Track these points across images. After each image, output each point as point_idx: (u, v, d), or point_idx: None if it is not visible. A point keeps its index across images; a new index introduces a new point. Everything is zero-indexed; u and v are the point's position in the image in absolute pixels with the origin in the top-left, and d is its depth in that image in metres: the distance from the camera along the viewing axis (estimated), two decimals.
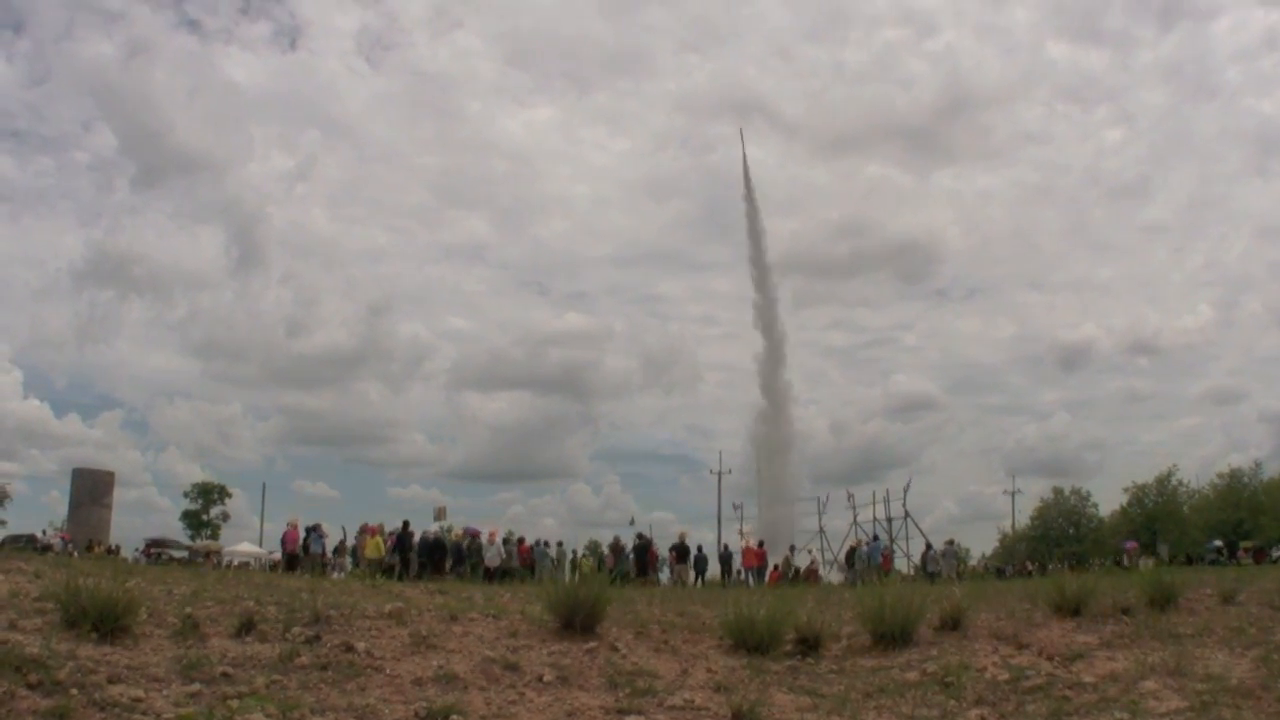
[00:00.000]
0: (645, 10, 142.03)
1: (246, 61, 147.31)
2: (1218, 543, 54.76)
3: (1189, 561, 48.36)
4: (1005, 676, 9.78)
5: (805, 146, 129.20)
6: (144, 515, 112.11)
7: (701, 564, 34.54)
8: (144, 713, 7.34)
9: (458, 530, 34.49)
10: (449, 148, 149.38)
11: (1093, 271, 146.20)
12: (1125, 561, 48.48)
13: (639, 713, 8.69)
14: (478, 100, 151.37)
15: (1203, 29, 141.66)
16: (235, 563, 45.51)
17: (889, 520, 74.62)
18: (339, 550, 33.53)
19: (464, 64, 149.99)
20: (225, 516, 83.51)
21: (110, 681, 7.83)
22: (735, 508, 73.34)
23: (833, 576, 40.03)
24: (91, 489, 66.26)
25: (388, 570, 27.10)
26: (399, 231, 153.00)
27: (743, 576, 35.42)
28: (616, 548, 34.84)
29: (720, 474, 75.66)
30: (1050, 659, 10.55)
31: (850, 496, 77.68)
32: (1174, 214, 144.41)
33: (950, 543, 40.83)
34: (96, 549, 44.45)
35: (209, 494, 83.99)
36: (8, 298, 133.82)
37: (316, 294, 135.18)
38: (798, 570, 36.92)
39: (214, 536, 75.94)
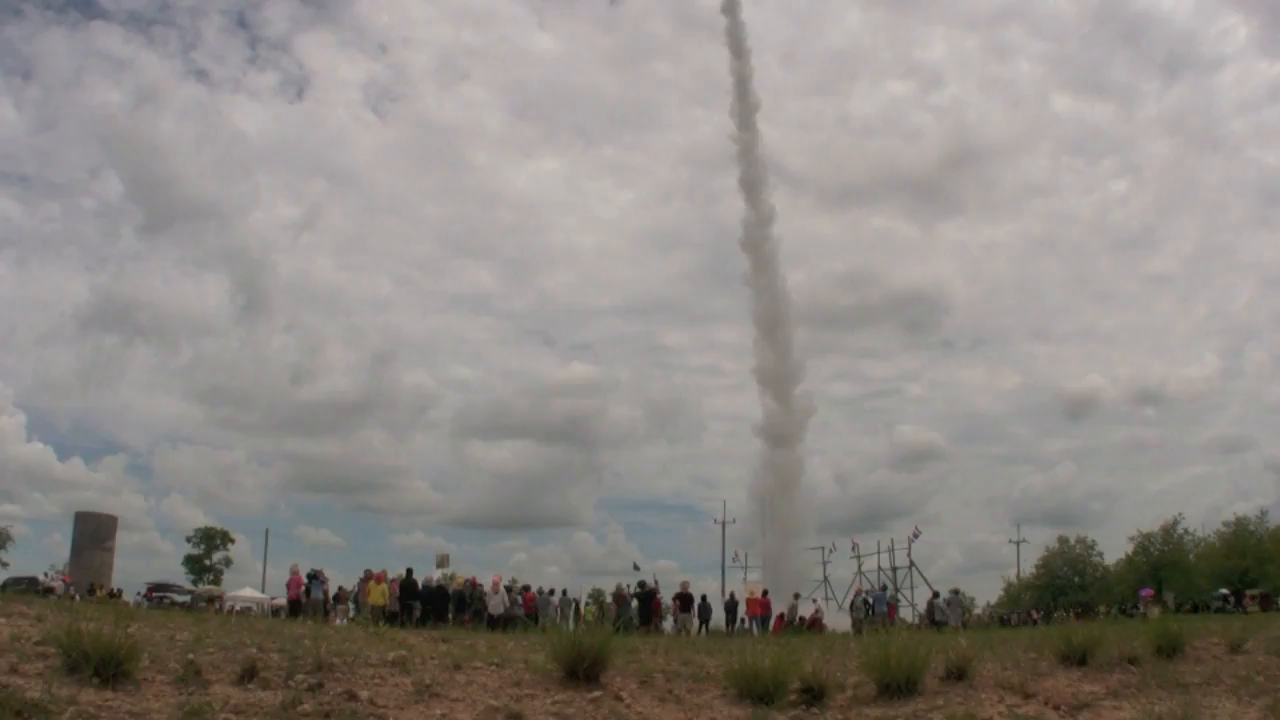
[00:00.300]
0: (651, 63, 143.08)
1: (254, 111, 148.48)
2: (1224, 590, 54.54)
3: (1195, 609, 48.14)
4: None
5: (811, 199, 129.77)
6: (146, 559, 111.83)
7: (705, 612, 34.42)
8: None
9: (460, 578, 34.42)
10: (455, 198, 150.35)
11: (1098, 322, 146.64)
12: (1141, 608, 48.27)
13: None
14: (484, 151, 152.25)
15: (1207, 81, 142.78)
16: (238, 608, 45.36)
17: (894, 569, 74.52)
18: (339, 597, 33.46)
19: (471, 115, 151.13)
20: (228, 562, 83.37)
21: None
22: (734, 559, 73.27)
23: (841, 621, 39.75)
24: (94, 532, 66.16)
25: (391, 618, 27.03)
26: (404, 281, 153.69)
27: (747, 625, 35.28)
28: (620, 596, 34.74)
29: (724, 524, 75.72)
30: (1057, 709, 10.49)
31: (855, 546, 77.63)
32: (1179, 264, 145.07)
33: (956, 592, 40.62)
34: (98, 592, 44.31)
35: (211, 539, 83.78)
36: (13, 341, 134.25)
37: (321, 342, 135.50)
38: (803, 619, 36.75)
39: (216, 582, 75.65)
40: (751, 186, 63.79)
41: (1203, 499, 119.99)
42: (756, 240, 63.50)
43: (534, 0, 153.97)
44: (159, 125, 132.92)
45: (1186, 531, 76.11)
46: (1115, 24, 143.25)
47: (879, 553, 76.38)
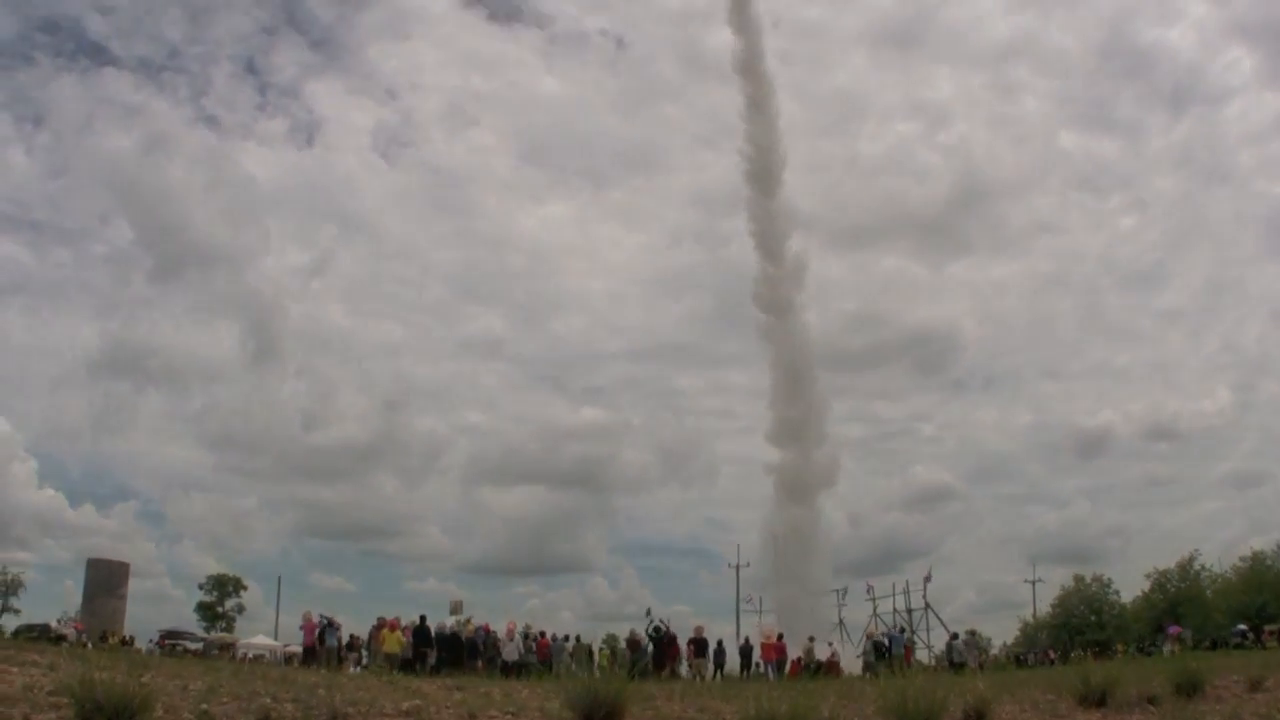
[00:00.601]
0: (659, 106, 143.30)
1: (263, 157, 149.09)
2: (1242, 626, 54.14)
3: (1214, 646, 47.77)
4: None
5: (820, 240, 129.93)
6: (158, 606, 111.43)
7: (720, 657, 34.25)
8: None
9: (473, 624, 34.30)
10: (465, 243, 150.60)
11: (1110, 358, 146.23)
12: (1168, 647, 47.93)
13: None
14: (494, 196, 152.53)
15: (1213, 114, 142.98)
16: (250, 655, 45.25)
17: (909, 611, 74.18)
18: (352, 645, 33.34)
19: (480, 160, 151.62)
20: (240, 609, 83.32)
21: None
22: (748, 602, 72.99)
23: (858, 664, 39.49)
24: (106, 579, 66.16)
25: (405, 665, 26.93)
26: (415, 326, 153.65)
27: (762, 669, 35.10)
28: (634, 641, 34.58)
29: (738, 567, 75.57)
30: None
31: (870, 588, 77.35)
32: (1190, 299, 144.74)
33: (972, 633, 40.48)
34: (111, 640, 44.25)
35: (224, 586, 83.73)
36: (25, 387, 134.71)
37: (332, 388, 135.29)
38: (819, 663, 36.53)
39: (228, 629, 75.52)
40: (774, 243, 63.00)
41: (1219, 534, 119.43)
42: (780, 296, 62.64)
43: (541, 45, 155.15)
44: (169, 171, 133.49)
45: (1203, 567, 75.73)
46: (1121, 59, 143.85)
47: (894, 595, 76.15)
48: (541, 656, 31.77)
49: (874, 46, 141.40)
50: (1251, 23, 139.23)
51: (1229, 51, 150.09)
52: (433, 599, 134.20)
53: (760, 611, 69.80)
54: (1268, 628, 54.23)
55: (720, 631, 45.02)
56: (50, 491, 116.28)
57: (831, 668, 36.35)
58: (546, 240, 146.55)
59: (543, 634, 34.41)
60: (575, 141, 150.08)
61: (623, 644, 36.93)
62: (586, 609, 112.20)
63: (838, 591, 74.07)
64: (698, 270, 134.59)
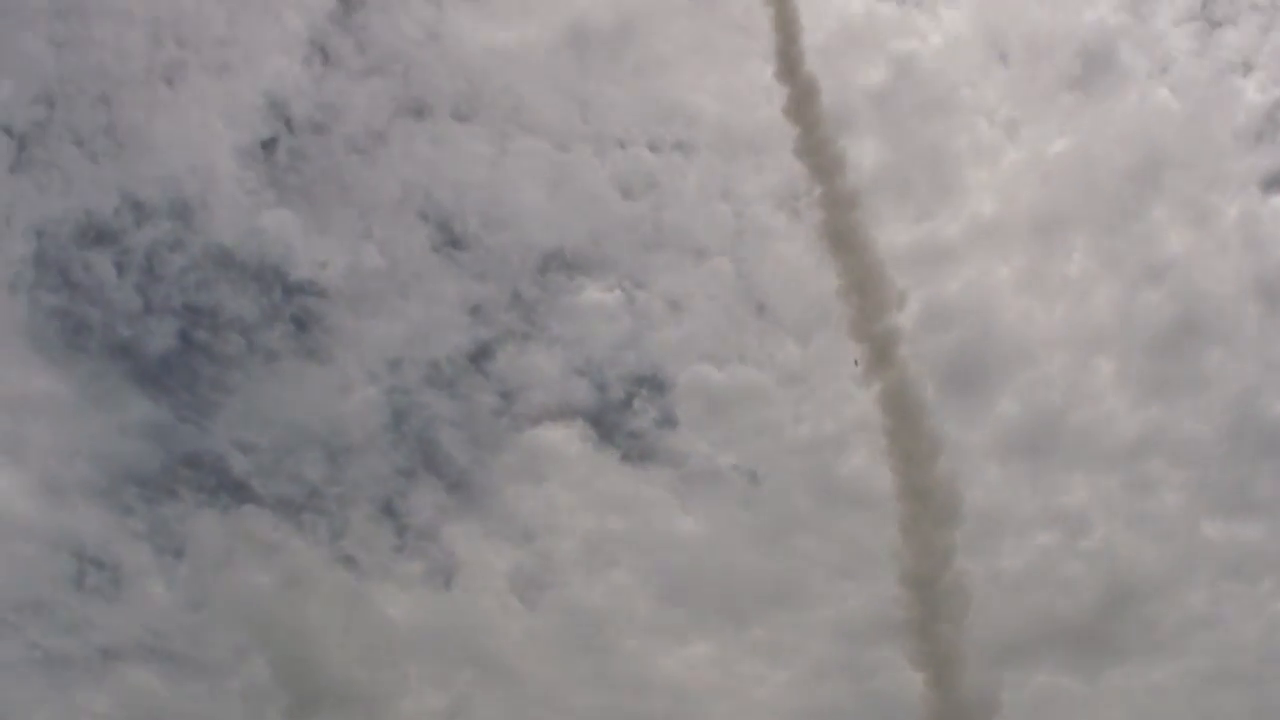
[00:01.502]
0: (796, 539, 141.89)
1: (401, 598, 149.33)
2: None
3: None
4: None
5: (970, 660, 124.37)
6: None
7: None
8: None
9: None
10: (606, 686, 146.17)
11: None
12: None
13: None
14: (634, 637, 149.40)
15: None
16: None
17: None
18: None
19: (619, 601, 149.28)
20: None
21: None
22: None
23: None
24: None
25: None
26: None
27: None
28: None
29: None
30: None
31: None
32: None
33: None
34: None
35: None
36: None
37: None
38: None
39: None
40: (945, 671, 60.32)
41: None
42: None
43: (675, 484, 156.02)
44: (307, 610, 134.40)
45: None
46: (1252, 438, 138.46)
47: None
48: None
49: (1005, 459, 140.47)
50: None
51: None
52: None
53: None
54: None
55: None
56: None
57: None
58: (689, 681, 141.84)
59: None
60: (714, 579, 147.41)
61: None
62: None
63: None
64: (845, 703, 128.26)
